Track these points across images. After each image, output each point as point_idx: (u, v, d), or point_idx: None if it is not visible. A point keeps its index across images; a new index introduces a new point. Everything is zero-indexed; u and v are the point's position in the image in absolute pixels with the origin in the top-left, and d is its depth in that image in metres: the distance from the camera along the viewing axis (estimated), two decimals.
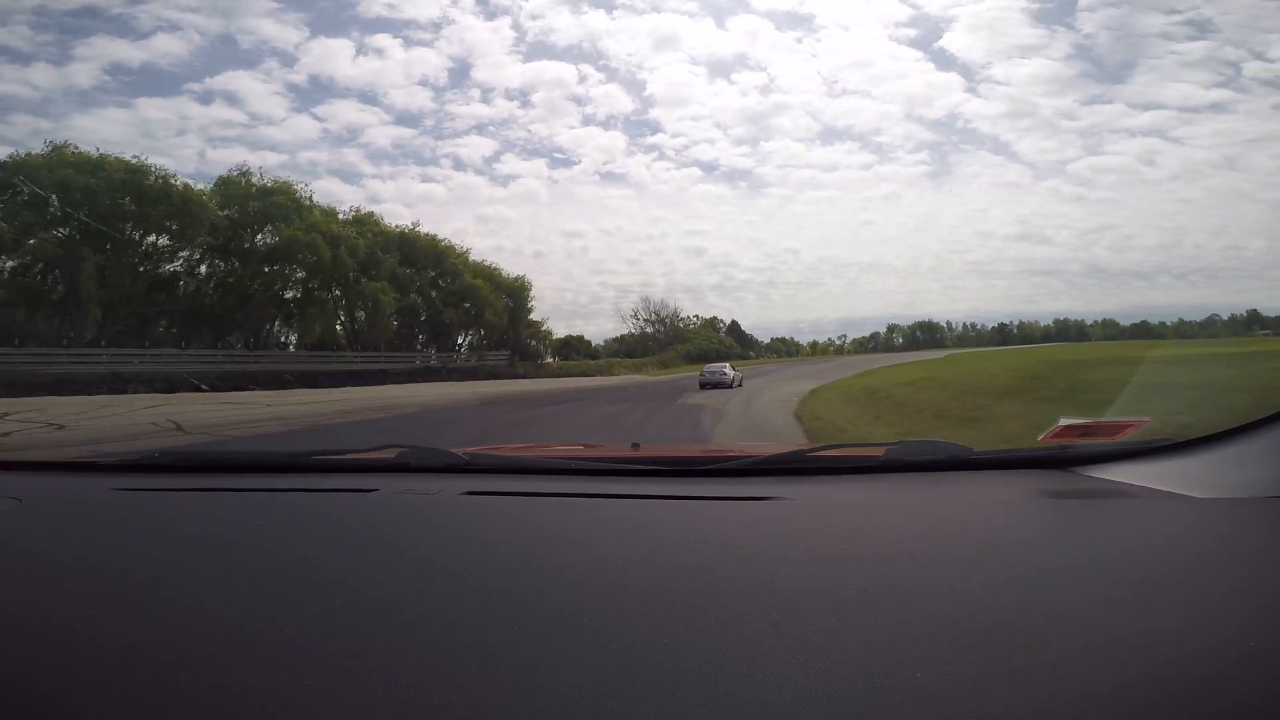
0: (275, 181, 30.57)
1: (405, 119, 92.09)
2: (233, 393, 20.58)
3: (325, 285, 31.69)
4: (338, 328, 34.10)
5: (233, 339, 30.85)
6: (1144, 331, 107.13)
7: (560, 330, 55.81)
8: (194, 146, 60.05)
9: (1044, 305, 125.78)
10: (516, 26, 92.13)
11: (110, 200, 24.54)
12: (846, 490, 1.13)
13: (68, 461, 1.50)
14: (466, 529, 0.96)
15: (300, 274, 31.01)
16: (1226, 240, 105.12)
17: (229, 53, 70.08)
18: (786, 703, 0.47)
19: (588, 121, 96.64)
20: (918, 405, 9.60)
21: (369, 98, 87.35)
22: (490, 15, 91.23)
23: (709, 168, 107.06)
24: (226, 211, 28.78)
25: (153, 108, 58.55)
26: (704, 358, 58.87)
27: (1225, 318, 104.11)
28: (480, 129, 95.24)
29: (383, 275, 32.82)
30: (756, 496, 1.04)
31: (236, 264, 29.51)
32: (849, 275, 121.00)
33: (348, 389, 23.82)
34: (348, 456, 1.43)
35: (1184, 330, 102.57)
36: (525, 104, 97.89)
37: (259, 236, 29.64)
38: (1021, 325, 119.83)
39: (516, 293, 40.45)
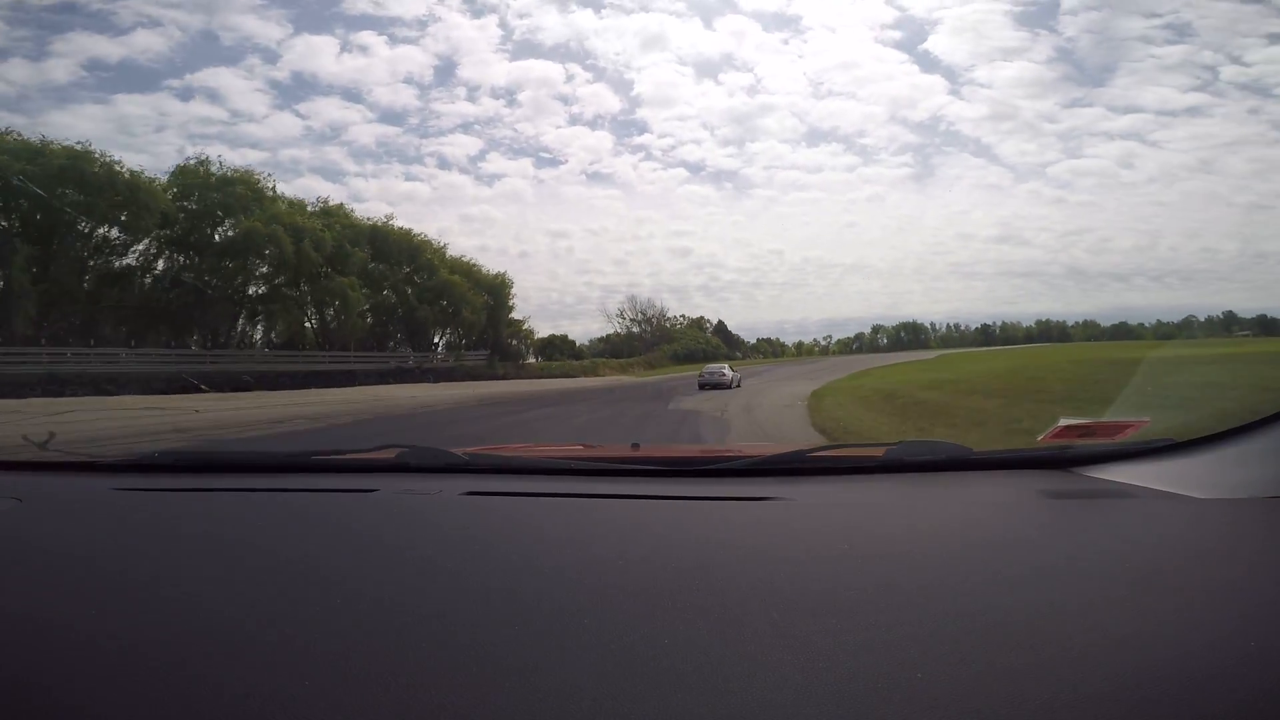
0: (236, 171, 28.75)
1: (389, 117, 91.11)
2: (168, 396, 18.68)
3: (296, 282, 29.88)
4: (307, 326, 32.22)
5: (194, 339, 28.83)
6: (1124, 333, 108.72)
7: (545, 331, 54.43)
8: (173, 143, 59.29)
9: (1023, 306, 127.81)
10: (503, 25, 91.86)
11: (48, 189, 22.49)
12: (846, 490, 1.13)
13: (68, 461, 1.51)
14: (466, 529, 0.96)
15: (264, 269, 29.20)
16: (1201, 243, 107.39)
17: (210, 49, 68.77)
18: (786, 703, 0.47)
19: (574, 121, 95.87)
20: (961, 412, 8.24)
21: (353, 95, 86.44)
22: (477, 13, 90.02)
23: (695, 168, 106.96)
24: (185, 203, 27.00)
25: (131, 104, 57.69)
26: (691, 358, 57.72)
27: (1202, 319, 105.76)
28: (465, 128, 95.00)
29: (352, 270, 30.99)
30: (756, 496, 1.03)
31: (196, 258, 27.58)
32: (833, 276, 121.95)
33: (309, 391, 22.15)
34: (348, 456, 1.43)
35: (1162, 331, 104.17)
36: (511, 103, 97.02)
37: (220, 229, 27.80)
38: (1004, 326, 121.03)
39: (496, 290, 38.63)
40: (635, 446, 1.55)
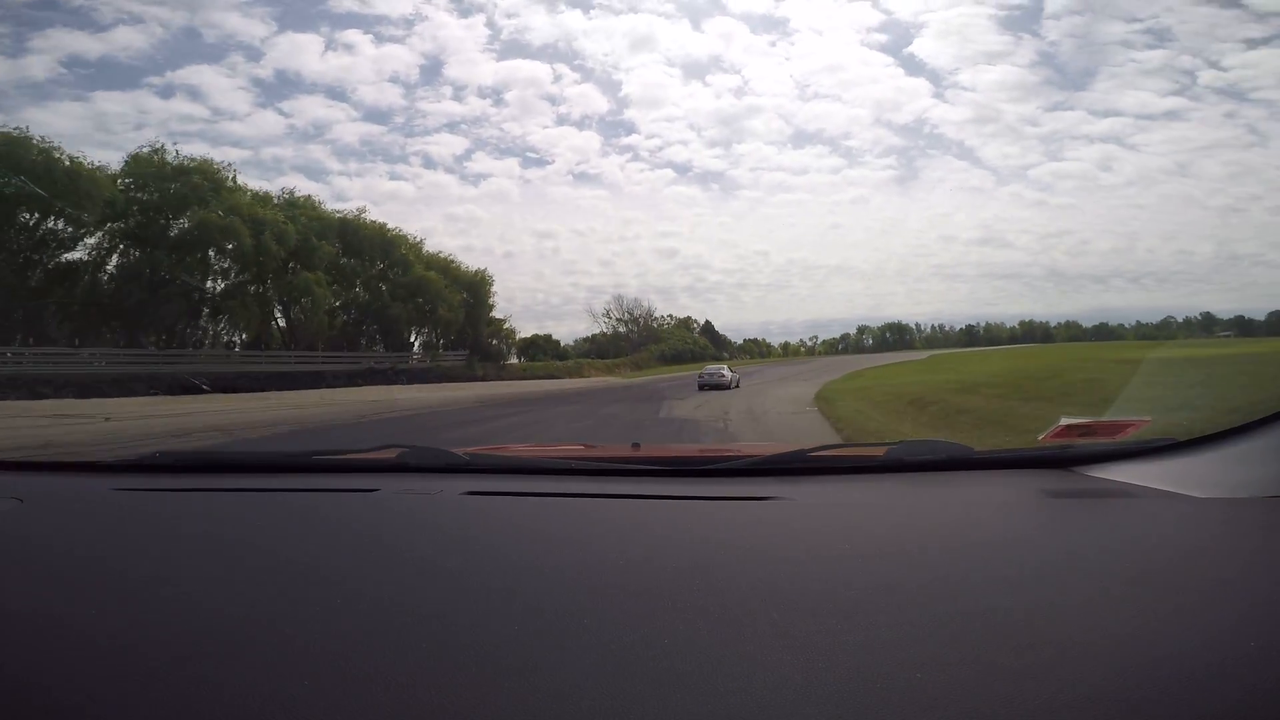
0: (193, 160, 26.80)
1: (374, 116, 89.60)
2: (104, 399, 16.80)
3: (260, 278, 27.94)
4: (275, 324, 30.23)
5: (152, 339, 26.75)
6: (1106, 333, 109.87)
7: (531, 331, 52.63)
8: (152, 141, 56.67)
9: (1004, 308, 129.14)
10: (491, 24, 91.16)
11: None
12: (846, 490, 1.13)
13: (69, 461, 1.52)
14: (467, 529, 0.96)
15: (224, 263, 27.24)
16: (1177, 245, 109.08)
17: (193, 46, 67.48)
18: (786, 703, 0.47)
19: (562, 121, 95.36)
20: (1022, 420, 6.78)
21: (337, 94, 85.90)
22: (464, 12, 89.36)
23: (682, 169, 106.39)
24: (139, 193, 25.18)
25: (110, 101, 56.71)
26: (678, 359, 56.41)
27: (1180, 320, 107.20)
28: (451, 127, 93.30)
29: (319, 265, 29.11)
30: (756, 496, 1.03)
31: (151, 252, 25.54)
32: (817, 278, 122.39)
33: (266, 394, 20.38)
34: (348, 456, 1.42)
35: (1142, 332, 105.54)
36: (498, 102, 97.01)
37: (176, 221, 25.80)
38: (989, 327, 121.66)
39: (476, 287, 36.79)
40: (635, 446, 1.57)
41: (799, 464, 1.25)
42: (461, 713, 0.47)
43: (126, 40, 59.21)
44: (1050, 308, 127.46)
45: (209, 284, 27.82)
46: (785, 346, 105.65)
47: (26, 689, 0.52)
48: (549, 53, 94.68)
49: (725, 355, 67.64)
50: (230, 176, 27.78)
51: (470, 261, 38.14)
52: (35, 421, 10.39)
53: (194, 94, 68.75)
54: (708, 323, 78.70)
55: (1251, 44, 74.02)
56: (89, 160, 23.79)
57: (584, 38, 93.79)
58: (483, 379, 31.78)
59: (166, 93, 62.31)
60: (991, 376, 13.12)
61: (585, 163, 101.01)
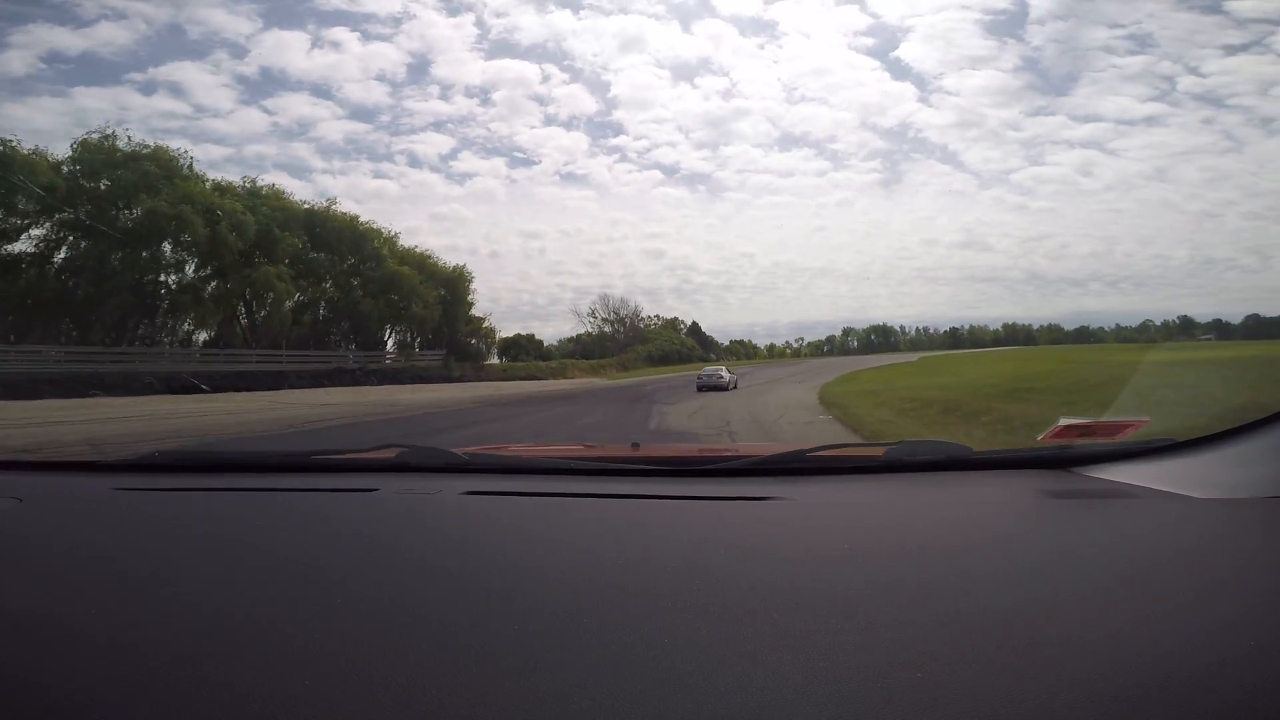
0: (146, 146, 24.86)
1: (360, 114, 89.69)
2: (33, 401, 14.97)
3: (221, 272, 26.04)
4: (238, 321, 28.26)
5: (101, 335, 24.73)
6: (1086, 336, 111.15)
7: (516, 331, 50.80)
8: (133, 138, 54.92)
9: (985, 311, 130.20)
10: (480, 24, 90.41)
11: None
12: (846, 490, 1.13)
13: (69, 461, 1.51)
14: (466, 529, 0.96)
15: (179, 256, 25.37)
16: (1154, 249, 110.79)
17: (176, 43, 66.95)
18: (786, 703, 0.47)
19: (549, 121, 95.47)
20: None
21: (322, 91, 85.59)
22: (453, 11, 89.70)
23: (670, 171, 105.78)
24: (88, 182, 23.24)
25: (90, 97, 55.81)
26: (665, 360, 55.15)
27: (1158, 323, 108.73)
28: (438, 126, 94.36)
29: (282, 258, 27.23)
30: (756, 496, 1.03)
31: (99, 244, 23.57)
32: (802, 280, 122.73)
33: (215, 397, 18.56)
34: (348, 456, 1.42)
35: (1122, 335, 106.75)
36: (486, 102, 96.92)
37: (127, 211, 23.87)
38: (972, 329, 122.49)
39: (454, 284, 34.94)
40: (635, 446, 1.56)
41: (799, 464, 1.24)
42: (461, 713, 0.47)
43: (109, 36, 59.04)
44: (1030, 311, 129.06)
45: (162, 278, 25.95)
46: (771, 348, 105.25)
47: (26, 689, 0.52)
48: (538, 53, 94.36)
49: (712, 356, 66.61)
50: (186, 164, 25.92)
51: (456, 261, 36.28)
52: None
53: (176, 90, 69.03)
54: (694, 324, 77.73)
55: (1230, 50, 75.14)
56: (39, 150, 22.17)
57: (573, 38, 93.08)
58: (459, 380, 30.11)
59: (148, 89, 62.49)
60: (1021, 380, 11.89)
61: (573, 163, 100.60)
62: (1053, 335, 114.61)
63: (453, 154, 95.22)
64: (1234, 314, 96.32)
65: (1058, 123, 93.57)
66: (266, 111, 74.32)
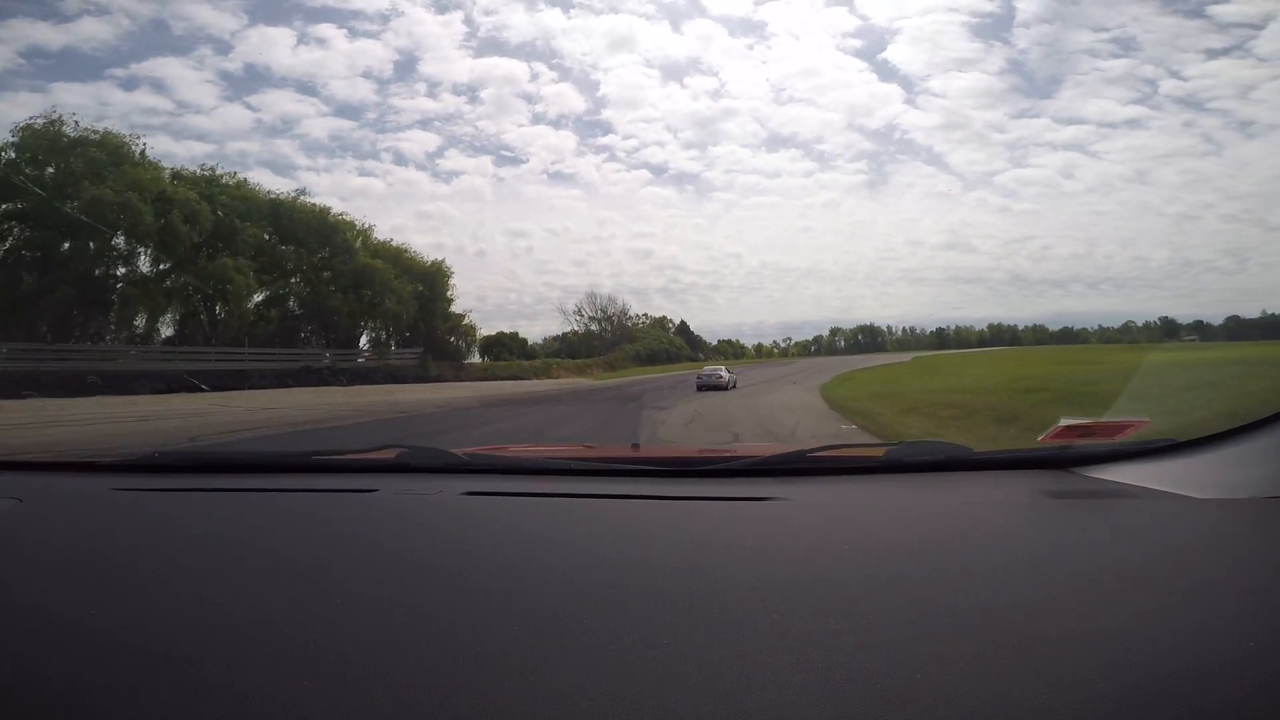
0: (95, 131, 22.96)
1: (345, 111, 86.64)
2: None
3: (176, 264, 24.18)
4: (201, 317, 26.37)
5: (50, 332, 22.79)
6: (1070, 337, 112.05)
7: (500, 330, 48.97)
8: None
9: (969, 312, 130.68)
10: (468, 21, 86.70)
11: None
12: (846, 490, 1.12)
13: (68, 461, 1.49)
14: (466, 529, 0.96)
15: (133, 247, 23.46)
16: (1134, 252, 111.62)
17: (159, 38, 66.21)
18: (786, 703, 0.47)
19: (537, 120, 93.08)
20: None
21: (307, 88, 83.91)
22: (442, 9, 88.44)
23: (658, 170, 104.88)
24: (32, 170, 21.41)
25: (70, 93, 54.49)
26: (654, 359, 53.85)
27: (1140, 324, 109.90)
28: (425, 124, 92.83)
29: (243, 250, 25.37)
30: (756, 497, 1.02)
31: (42, 235, 21.76)
32: (789, 280, 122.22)
33: (156, 398, 16.85)
34: (347, 456, 1.41)
35: (1105, 336, 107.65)
36: (473, 100, 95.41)
37: (74, 201, 21.96)
38: (958, 330, 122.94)
39: (432, 279, 33.15)
40: (635, 447, 1.62)
41: (799, 464, 1.24)
42: (461, 713, 0.46)
43: (91, 31, 58.39)
44: (1013, 311, 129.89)
45: (112, 271, 24.01)
46: (759, 348, 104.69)
47: (27, 688, 0.52)
48: (527, 51, 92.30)
49: (700, 356, 65.47)
50: (138, 150, 24.01)
51: (444, 260, 34.37)
52: None
53: (158, 86, 67.05)
54: (683, 323, 76.41)
55: (1211, 54, 75.42)
56: None
57: (563, 36, 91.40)
58: (436, 379, 28.51)
59: (130, 85, 60.52)
60: (1049, 380, 10.82)
61: (560, 162, 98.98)
62: (1037, 336, 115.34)
63: (439, 152, 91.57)
64: (1212, 315, 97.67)
65: (1041, 125, 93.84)
66: (250, 108, 73.15)
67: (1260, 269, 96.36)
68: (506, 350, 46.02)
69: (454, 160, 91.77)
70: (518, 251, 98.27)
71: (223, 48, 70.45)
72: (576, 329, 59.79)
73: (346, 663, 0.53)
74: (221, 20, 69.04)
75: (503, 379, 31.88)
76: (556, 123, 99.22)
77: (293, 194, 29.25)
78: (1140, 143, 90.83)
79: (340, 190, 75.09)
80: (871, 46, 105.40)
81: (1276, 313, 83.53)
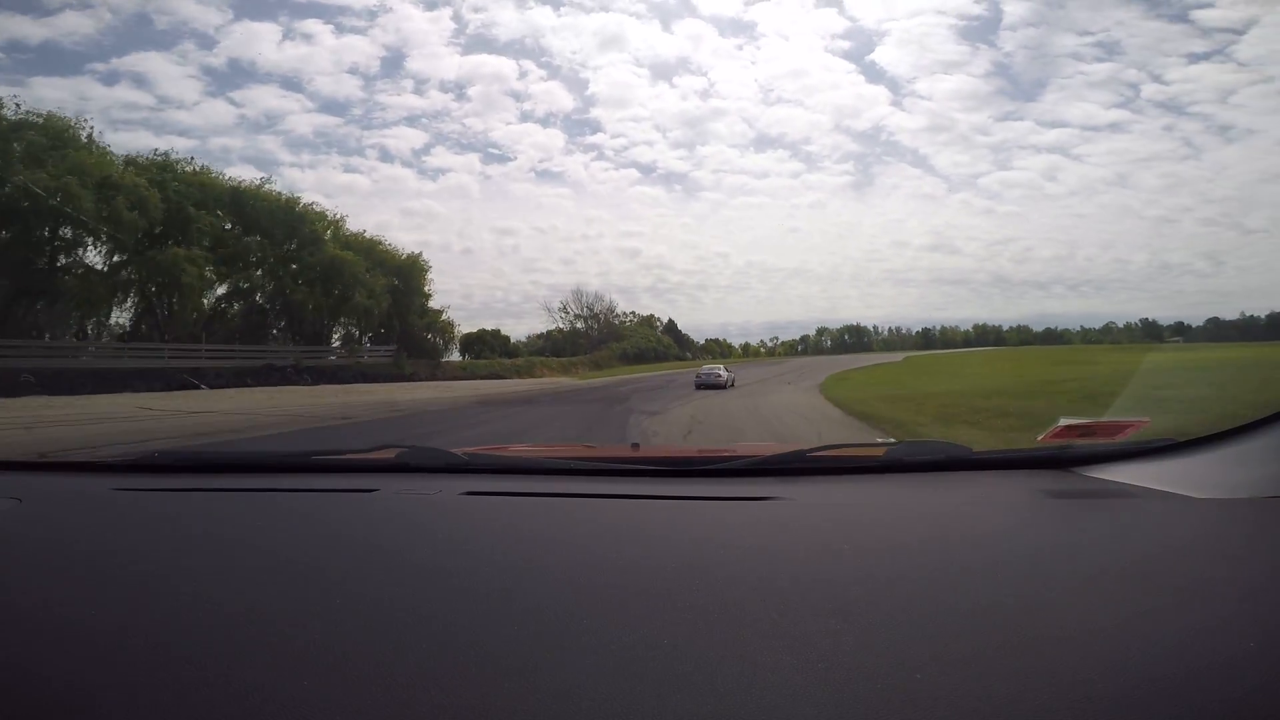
0: (37, 114, 21.09)
1: (331, 107, 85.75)
2: None
3: (121, 254, 22.38)
4: (158, 312, 24.50)
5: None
6: (1054, 338, 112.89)
7: (482, 327, 47.21)
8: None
9: (952, 312, 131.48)
10: (457, 18, 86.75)
11: None
12: (846, 490, 1.12)
13: (68, 461, 1.49)
14: (466, 529, 0.96)
15: (79, 235, 21.59)
16: (1114, 254, 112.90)
17: (142, 33, 65.73)
18: (786, 703, 0.47)
19: (526, 118, 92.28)
20: None
21: (292, 84, 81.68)
22: (430, 5, 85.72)
23: (647, 169, 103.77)
24: None
25: (49, 87, 51.01)
26: (641, 358, 52.57)
27: (1120, 325, 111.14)
28: (411, 121, 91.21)
29: (199, 240, 23.59)
30: (756, 496, 1.02)
31: None
32: (775, 280, 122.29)
33: (80, 398, 15.16)
34: (347, 456, 1.41)
35: (1088, 337, 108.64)
36: (461, 97, 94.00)
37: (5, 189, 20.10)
38: (944, 330, 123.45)
39: (407, 273, 31.42)
40: (635, 447, 1.62)
41: (799, 464, 1.23)
42: (461, 713, 0.47)
43: (73, 25, 56.84)
44: (995, 313, 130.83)
45: (51, 261, 22.03)
46: (746, 347, 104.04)
47: (27, 688, 0.52)
48: (515, 48, 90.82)
49: (688, 355, 64.32)
50: (85, 133, 22.12)
51: (428, 257, 33.22)
52: None
53: (140, 81, 66.23)
54: (671, 321, 75.25)
55: (1193, 58, 76.11)
56: None
57: (552, 34, 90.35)
58: (410, 378, 26.91)
59: (110, 79, 59.47)
60: (1072, 381, 9.72)
61: (549, 160, 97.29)
62: (1021, 336, 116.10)
63: (426, 149, 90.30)
64: (1190, 317, 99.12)
65: (1025, 128, 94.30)
66: (234, 104, 70.05)
67: (1236, 272, 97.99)
68: (488, 348, 44.25)
69: (441, 157, 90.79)
70: (505, 250, 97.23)
71: (207, 42, 67.95)
72: (562, 326, 58.27)
73: (346, 663, 0.53)
74: (206, 15, 68.56)
75: (482, 378, 30.28)
76: (545, 121, 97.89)
77: (257, 182, 27.49)
78: (1122, 146, 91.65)
79: (325, 187, 75.26)
80: (860, 48, 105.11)
81: (1255, 314, 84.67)
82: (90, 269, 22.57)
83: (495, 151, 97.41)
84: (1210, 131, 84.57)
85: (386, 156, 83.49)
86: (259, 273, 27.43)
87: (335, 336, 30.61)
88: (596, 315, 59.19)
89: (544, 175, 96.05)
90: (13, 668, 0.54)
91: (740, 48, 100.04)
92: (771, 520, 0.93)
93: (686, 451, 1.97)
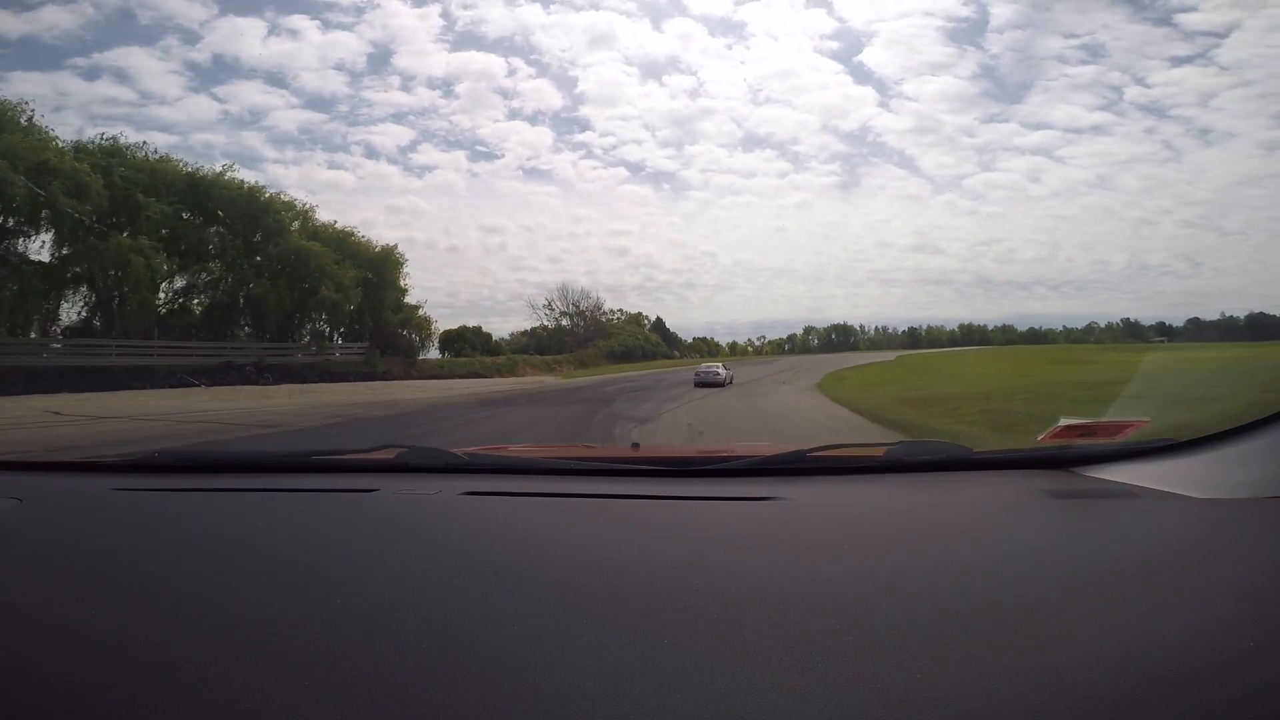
0: None
1: (316, 103, 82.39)
2: None
3: (63, 244, 20.57)
4: (113, 306, 22.62)
5: None
6: (1038, 337, 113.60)
7: (463, 324, 45.44)
8: (71, 124, 56.19)
9: (935, 312, 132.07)
10: (446, 15, 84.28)
11: None
12: (846, 490, 1.12)
13: (68, 461, 1.50)
14: (466, 529, 0.96)
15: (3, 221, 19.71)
16: (1095, 255, 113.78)
17: (125, 27, 62.34)
18: (786, 703, 0.47)
19: (514, 115, 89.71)
20: None
21: (277, 80, 79.47)
22: (419, 2, 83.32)
23: (635, 168, 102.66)
24: None
25: (28, 82, 49.69)
26: (629, 356, 51.17)
27: (1103, 325, 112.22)
28: (398, 117, 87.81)
29: (150, 229, 21.82)
30: (756, 497, 1.02)
31: None
32: (762, 279, 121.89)
33: (18, 399, 13.46)
34: (347, 456, 1.41)
35: (1071, 337, 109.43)
36: (448, 94, 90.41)
37: None
38: (930, 330, 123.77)
39: (380, 266, 29.79)
40: (635, 447, 1.61)
41: (799, 464, 1.23)
42: (461, 713, 0.47)
43: (54, 20, 53.26)
44: (978, 313, 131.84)
45: None
46: (733, 346, 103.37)
47: (27, 688, 0.52)
48: (504, 46, 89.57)
49: (676, 353, 63.12)
50: (24, 117, 20.31)
51: (413, 255, 31.68)
52: None
53: (121, 76, 64.20)
54: (659, 319, 73.97)
55: (1176, 62, 76.35)
56: None
57: (542, 32, 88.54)
58: (383, 377, 25.29)
59: (91, 74, 56.99)
60: (1088, 382, 8.70)
61: (536, 158, 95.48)
62: (1007, 336, 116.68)
63: (412, 146, 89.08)
64: (1170, 318, 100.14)
65: (1010, 130, 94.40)
66: (217, 99, 68.77)
67: (1214, 273, 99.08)
68: (469, 345, 42.54)
69: (427, 155, 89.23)
70: (491, 247, 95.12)
71: (190, 38, 65.40)
72: (546, 324, 56.65)
73: (346, 663, 0.53)
74: (190, 10, 67.00)
75: (460, 377, 28.64)
76: (533, 119, 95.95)
77: (217, 169, 25.73)
78: (1104, 148, 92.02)
79: (309, 183, 73.01)
80: (848, 49, 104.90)
81: (1234, 315, 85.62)
82: (25, 259, 20.67)
83: (483, 149, 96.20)
84: (1190, 135, 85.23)
85: (372, 153, 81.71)
86: (216, 264, 25.64)
87: (304, 333, 28.89)
88: (583, 312, 57.72)
89: (532, 173, 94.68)
90: (13, 668, 0.55)
91: (730, 47, 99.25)
92: (771, 520, 0.93)
93: (686, 451, 1.94)
